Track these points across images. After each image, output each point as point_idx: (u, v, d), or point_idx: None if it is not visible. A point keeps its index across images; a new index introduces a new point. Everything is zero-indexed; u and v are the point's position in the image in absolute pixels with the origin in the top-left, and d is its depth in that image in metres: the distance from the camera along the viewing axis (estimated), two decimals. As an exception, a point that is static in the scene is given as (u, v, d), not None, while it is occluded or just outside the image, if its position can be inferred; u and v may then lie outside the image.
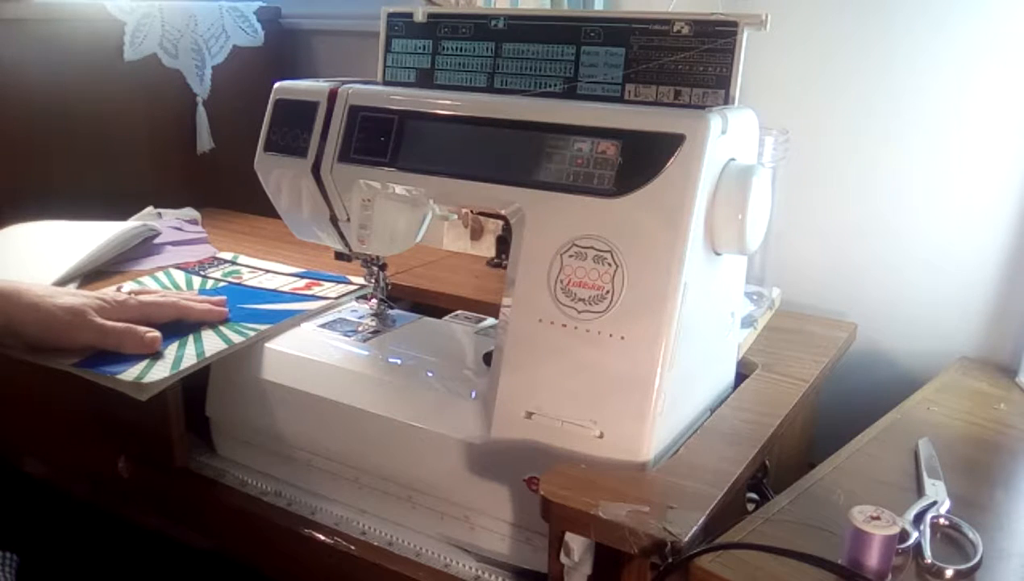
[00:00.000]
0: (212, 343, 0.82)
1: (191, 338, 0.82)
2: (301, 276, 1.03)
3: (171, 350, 0.80)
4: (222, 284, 1.00)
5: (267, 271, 1.05)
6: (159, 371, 0.76)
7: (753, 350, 0.88)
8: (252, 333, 0.85)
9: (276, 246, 1.18)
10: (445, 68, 0.82)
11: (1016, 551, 0.58)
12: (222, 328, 0.85)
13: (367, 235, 0.82)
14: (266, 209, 0.92)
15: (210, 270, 1.05)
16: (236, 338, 0.83)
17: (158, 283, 1.00)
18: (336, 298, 0.96)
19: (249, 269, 1.06)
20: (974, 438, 0.75)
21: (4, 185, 1.17)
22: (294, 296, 0.97)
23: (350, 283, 1.00)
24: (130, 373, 0.75)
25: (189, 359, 0.78)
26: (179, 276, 1.02)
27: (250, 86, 1.35)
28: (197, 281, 1.01)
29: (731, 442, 0.69)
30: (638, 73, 0.73)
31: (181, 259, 1.10)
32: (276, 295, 0.97)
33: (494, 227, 1.21)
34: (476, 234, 1.24)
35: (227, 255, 1.11)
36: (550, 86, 0.77)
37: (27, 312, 0.77)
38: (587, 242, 0.67)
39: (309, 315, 0.91)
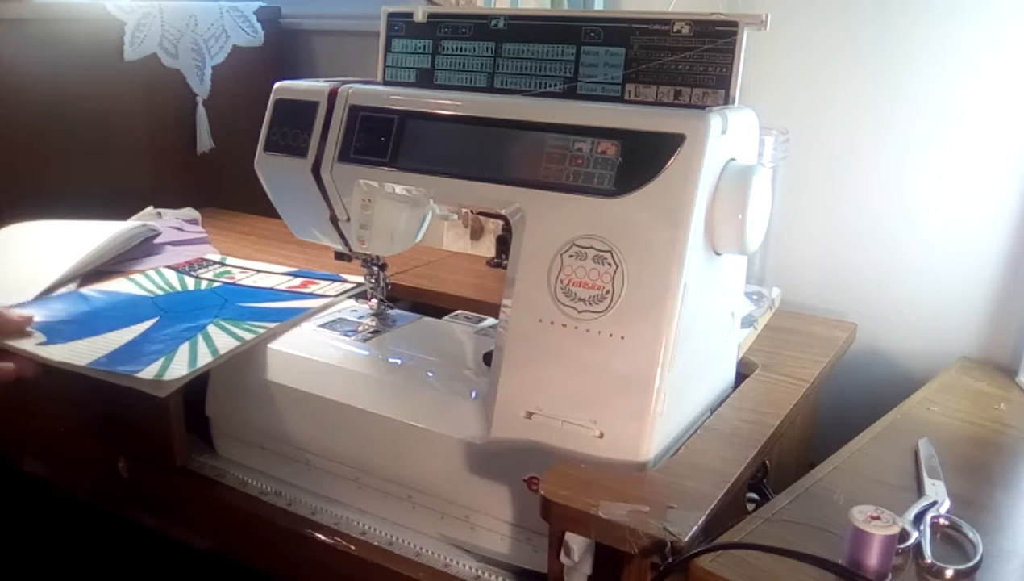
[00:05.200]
0: (224, 341, 0.82)
1: (200, 337, 0.83)
2: (294, 275, 1.03)
3: (183, 348, 0.80)
4: (216, 284, 1.00)
5: (258, 271, 1.05)
6: (177, 369, 0.76)
7: (753, 350, 0.88)
8: (262, 330, 0.85)
9: (276, 246, 1.18)
10: (445, 68, 0.82)
11: (1016, 551, 0.58)
12: (231, 327, 0.85)
13: (367, 235, 0.82)
14: (266, 209, 0.92)
15: (201, 271, 1.05)
16: (247, 335, 0.84)
17: (150, 281, 1.00)
18: (336, 295, 0.96)
19: (240, 270, 1.06)
20: (974, 438, 0.75)
21: (4, 185, 1.17)
22: (293, 294, 0.97)
23: (345, 281, 1.00)
24: (149, 371, 0.75)
25: (204, 357, 0.78)
26: (171, 275, 1.02)
27: (250, 86, 1.35)
28: (190, 282, 1.01)
29: (731, 442, 0.69)
30: (638, 73, 0.73)
31: (182, 259, 1.10)
32: (275, 294, 0.97)
33: (494, 227, 1.21)
34: (476, 234, 1.24)
35: (215, 256, 1.10)
36: (550, 86, 0.77)
37: None
38: (587, 242, 0.67)
39: (314, 312, 0.91)
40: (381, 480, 0.78)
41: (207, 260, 1.09)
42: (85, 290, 0.96)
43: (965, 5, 0.91)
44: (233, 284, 1.00)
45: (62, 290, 0.96)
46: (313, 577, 0.79)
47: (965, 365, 0.91)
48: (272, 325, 0.86)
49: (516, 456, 0.68)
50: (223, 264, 1.08)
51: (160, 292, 0.96)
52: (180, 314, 0.89)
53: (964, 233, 0.95)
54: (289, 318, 0.89)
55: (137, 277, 1.01)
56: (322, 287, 0.99)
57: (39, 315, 0.86)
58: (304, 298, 0.95)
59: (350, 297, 0.97)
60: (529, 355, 0.68)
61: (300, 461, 0.83)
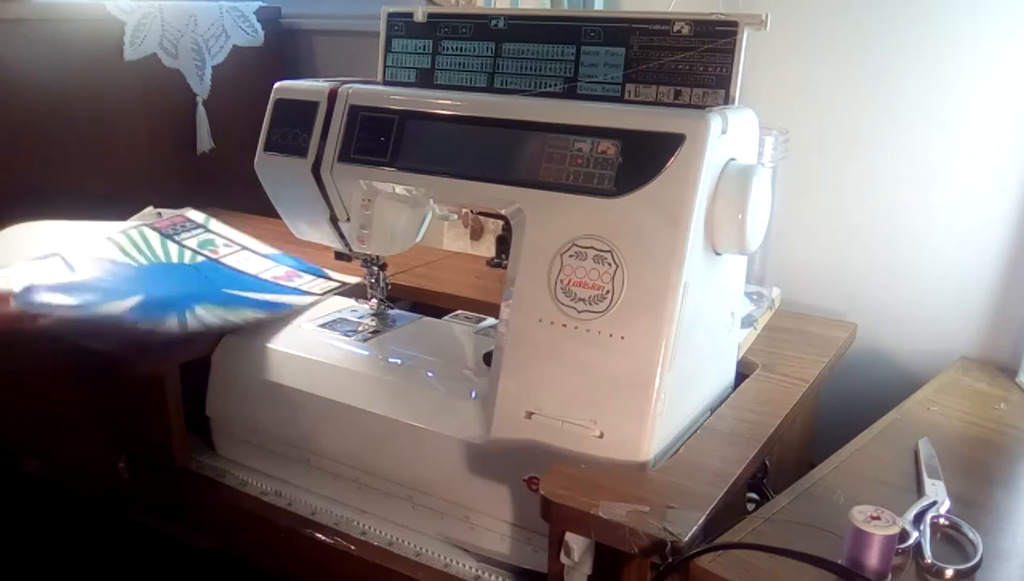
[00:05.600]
0: (210, 319, 0.83)
1: (187, 313, 0.83)
2: (277, 261, 1.02)
3: (171, 321, 0.81)
4: (200, 259, 0.98)
5: (243, 247, 1.03)
6: (168, 327, 0.78)
7: (753, 350, 0.87)
8: (246, 317, 0.85)
9: (276, 246, 1.18)
10: (445, 68, 0.82)
11: (1016, 551, 0.58)
12: (216, 310, 0.85)
13: (367, 235, 0.82)
14: (266, 209, 0.92)
15: (184, 235, 1.02)
16: (233, 318, 0.84)
17: (130, 241, 0.97)
18: (322, 294, 0.95)
19: (224, 240, 1.03)
20: (974, 438, 0.75)
21: (4, 185, 1.17)
22: (277, 287, 0.95)
23: (330, 278, 0.99)
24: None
25: (194, 325, 0.80)
26: (154, 239, 0.99)
27: (250, 86, 1.35)
28: (174, 249, 0.98)
29: (731, 442, 0.69)
30: (638, 73, 0.73)
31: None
32: (260, 283, 0.95)
33: (494, 227, 1.21)
34: (476, 234, 1.24)
35: (198, 217, 1.07)
36: (550, 86, 0.77)
37: None
38: (587, 242, 0.67)
39: (298, 310, 0.91)
40: (381, 480, 0.78)
41: (190, 221, 1.06)
42: (70, 257, 0.93)
43: (964, 5, 0.91)
44: (217, 261, 0.98)
45: (46, 259, 0.93)
46: (313, 577, 0.79)
47: (965, 365, 0.91)
48: (260, 314, 0.86)
49: (516, 456, 0.68)
50: (207, 229, 1.05)
51: (144, 261, 0.94)
52: (163, 294, 0.87)
53: (964, 233, 0.95)
54: (272, 311, 0.88)
55: (119, 239, 0.97)
56: (306, 282, 0.98)
57: (22, 286, 0.84)
58: (289, 292, 0.94)
59: (336, 294, 0.96)
60: (529, 355, 0.68)
61: (300, 461, 0.83)
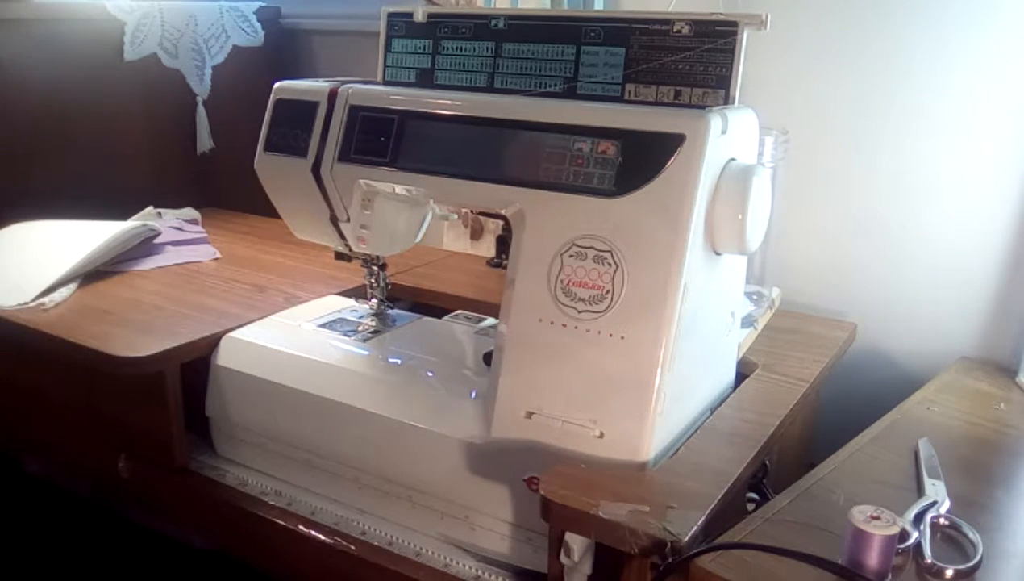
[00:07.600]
0: None
1: None
2: None
3: None
4: None
5: None
6: None
7: (753, 350, 0.87)
8: None
9: (276, 246, 1.19)
10: (445, 68, 0.82)
11: (1016, 551, 0.58)
12: None
13: (367, 235, 0.82)
14: (266, 209, 0.92)
15: None
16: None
17: None
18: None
19: None
20: (974, 438, 0.75)
21: (4, 185, 1.17)
22: None
23: None
24: None
25: None
26: None
27: (250, 86, 1.35)
28: None
29: (731, 442, 0.69)
30: (638, 73, 0.73)
31: (182, 259, 1.10)
32: None
33: (494, 227, 1.21)
34: (476, 234, 1.24)
35: None
36: (550, 86, 0.77)
37: None
38: (587, 242, 0.66)
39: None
40: (381, 480, 0.78)
41: None
42: None
43: (963, 3, 0.91)
44: None
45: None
46: (313, 577, 0.79)
47: (965, 365, 0.91)
48: None
49: (516, 456, 0.68)
50: None
51: None
52: None
53: (964, 232, 0.95)
54: None
55: None
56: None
57: None
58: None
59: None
60: (529, 355, 0.68)
61: (300, 461, 0.83)
